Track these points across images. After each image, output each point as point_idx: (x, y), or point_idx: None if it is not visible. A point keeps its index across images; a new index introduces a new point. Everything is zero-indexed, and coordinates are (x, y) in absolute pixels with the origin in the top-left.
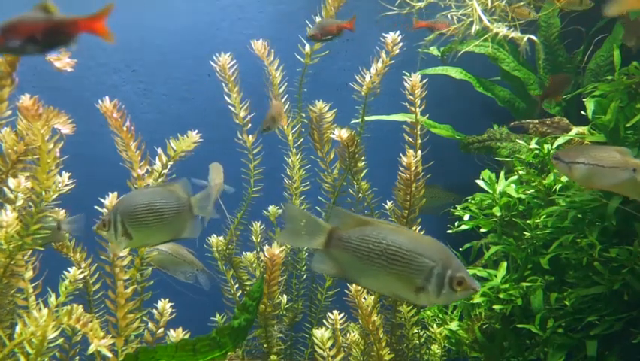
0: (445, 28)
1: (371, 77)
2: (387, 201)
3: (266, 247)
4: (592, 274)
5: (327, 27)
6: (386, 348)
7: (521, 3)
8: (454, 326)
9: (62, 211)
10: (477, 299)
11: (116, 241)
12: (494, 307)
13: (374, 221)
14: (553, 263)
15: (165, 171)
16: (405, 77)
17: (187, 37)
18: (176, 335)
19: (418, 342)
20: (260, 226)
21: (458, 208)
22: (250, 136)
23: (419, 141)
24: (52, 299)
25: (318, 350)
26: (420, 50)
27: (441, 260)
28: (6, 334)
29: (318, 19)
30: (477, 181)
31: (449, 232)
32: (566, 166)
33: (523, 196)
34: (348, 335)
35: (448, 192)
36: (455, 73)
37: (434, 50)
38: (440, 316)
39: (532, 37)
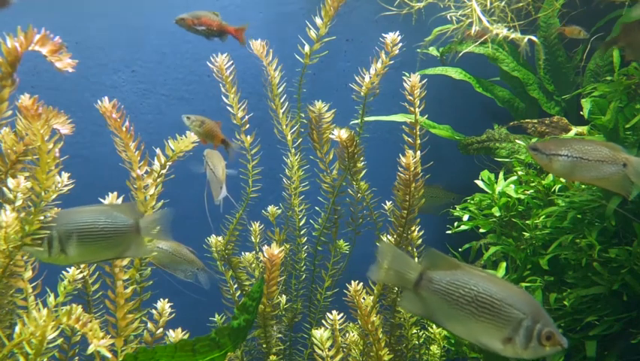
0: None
1: (370, 77)
2: (387, 202)
3: (265, 248)
4: (591, 275)
5: (203, 19)
6: (385, 348)
7: (521, 4)
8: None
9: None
10: None
11: (48, 258)
12: None
13: (466, 266)
14: (552, 263)
15: (164, 172)
16: (404, 78)
17: (186, 38)
18: (176, 335)
19: (417, 342)
20: (259, 226)
21: (457, 209)
22: (248, 136)
23: (418, 142)
24: (51, 299)
25: (317, 350)
26: (419, 50)
27: (531, 313)
28: (5, 334)
29: (317, 19)
30: (476, 182)
31: (448, 232)
32: (545, 157)
33: (522, 197)
34: (347, 335)
35: (448, 192)
36: (455, 73)
37: (433, 51)
38: None
39: (533, 37)
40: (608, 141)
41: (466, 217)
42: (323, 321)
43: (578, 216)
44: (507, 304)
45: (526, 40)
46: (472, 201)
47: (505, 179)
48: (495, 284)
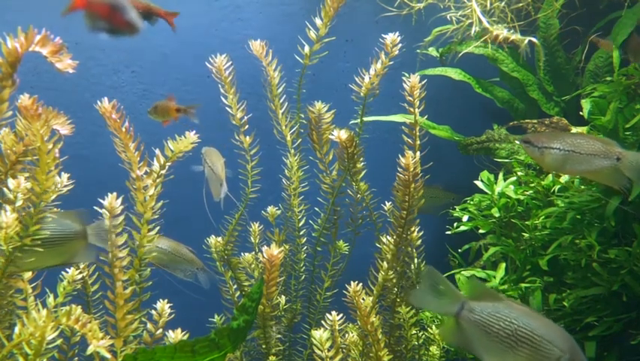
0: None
1: (370, 77)
2: (386, 202)
3: (264, 248)
4: (591, 275)
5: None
6: (385, 349)
7: (520, 4)
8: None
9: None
10: None
11: None
12: None
13: (506, 299)
14: (552, 264)
15: (164, 172)
16: (404, 78)
17: (186, 38)
18: (175, 335)
19: (416, 343)
20: (258, 226)
21: (457, 209)
22: (248, 137)
23: (418, 142)
24: (51, 300)
25: (316, 350)
26: (419, 50)
27: (569, 351)
28: (5, 335)
29: (317, 20)
30: (476, 182)
31: (448, 232)
32: (537, 150)
33: (521, 197)
34: (346, 335)
35: (447, 192)
36: (454, 74)
37: (433, 51)
38: (439, 317)
39: (534, 39)
40: None
41: (465, 218)
42: (322, 322)
43: (578, 216)
44: (547, 340)
45: (526, 41)
46: (471, 202)
47: (505, 180)
48: (535, 319)
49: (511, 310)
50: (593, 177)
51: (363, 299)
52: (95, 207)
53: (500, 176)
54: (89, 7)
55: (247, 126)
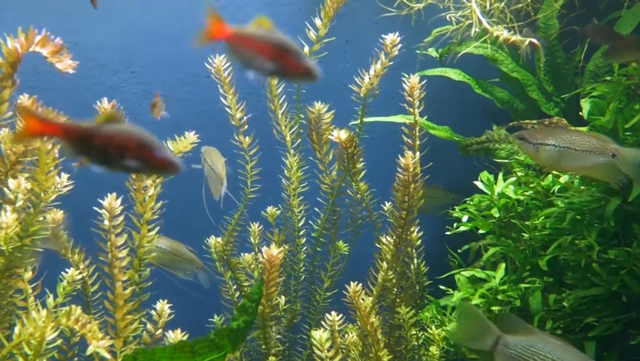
0: None
1: (370, 78)
2: (386, 203)
3: (264, 248)
4: (590, 276)
5: None
6: (384, 349)
7: (520, 5)
8: (452, 327)
9: (60, 212)
10: (475, 301)
11: None
12: (493, 308)
13: (540, 332)
14: (551, 264)
15: None
16: (404, 79)
17: (186, 38)
18: (175, 336)
19: (416, 343)
20: (258, 227)
21: (457, 209)
22: (247, 137)
23: (418, 142)
24: (51, 300)
25: (316, 351)
26: (419, 51)
27: None
28: (5, 335)
29: (317, 20)
30: (475, 183)
31: (448, 233)
32: (532, 147)
33: (521, 198)
34: (346, 336)
35: (447, 192)
36: (454, 74)
37: (433, 52)
38: (439, 317)
39: (534, 40)
40: None
41: (465, 218)
42: (322, 322)
43: (578, 217)
44: None
45: (527, 42)
46: (471, 202)
47: (505, 180)
48: (569, 353)
49: (545, 345)
50: (589, 174)
51: (362, 299)
52: (95, 208)
53: (500, 176)
54: (241, 43)
55: (247, 126)
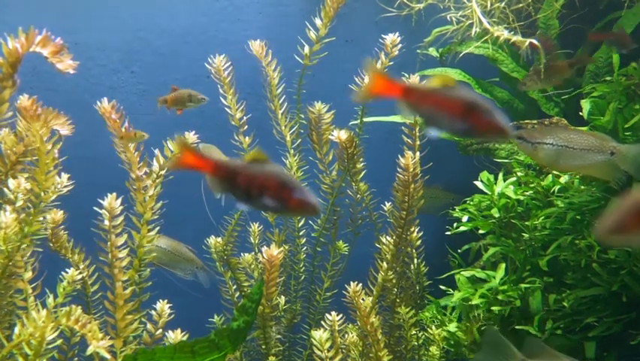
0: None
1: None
2: (386, 203)
3: (264, 249)
4: (590, 276)
5: None
6: (385, 349)
7: (520, 4)
8: (452, 327)
9: (60, 212)
10: (475, 301)
11: None
12: (493, 308)
13: (565, 357)
14: (551, 264)
15: (163, 173)
16: (404, 79)
17: (186, 39)
18: (175, 336)
19: (416, 343)
20: (258, 227)
21: (457, 210)
22: (247, 137)
23: (418, 143)
24: (51, 300)
25: (316, 351)
26: (419, 51)
27: None
28: (5, 335)
29: (317, 20)
30: (475, 183)
31: (448, 233)
32: (530, 146)
33: (521, 198)
34: (346, 336)
35: (447, 193)
36: (454, 74)
37: (433, 52)
38: (439, 317)
39: (534, 41)
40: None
41: (465, 218)
42: (322, 322)
43: (578, 217)
44: None
45: (527, 43)
46: (471, 202)
47: (505, 180)
48: None
49: None
50: (588, 172)
51: (362, 300)
52: (95, 208)
53: (500, 176)
54: (414, 99)
55: (246, 127)
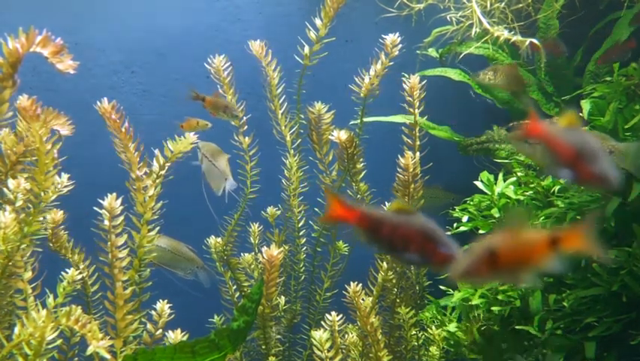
0: None
1: (370, 78)
2: (386, 203)
3: (264, 249)
4: (590, 276)
5: None
6: (384, 349)
7: (520, 5)
8: (452, 327)
9: (60, 212)
10: (475, 301)
11: None
12: (493, 308)
13: None
14: None
15: (163, 173)
16: (404, 79)
17: (186, 39)
18: (175, 336)
19: (416, 343)
20: (258, 227)
21: (457, 210)
22: (247, 138)
23: (418, 143)
24: (51, 300)
25: (316, 351)
26: (419, 51)
27: None
28: (5, 335)
29: (317, 20)
30: (475, 183)
31: (448, 233)
32: (528, 146)
33: (521, 198)
34: (346, 336)
35: (447, 193)
36: (454, 74)
37: (433, 52)
38: (439, 317)
39: (535, 40)
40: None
41: (465, 218)
42: (322, 322)
43: (577, 217)
44: None
45: (527, 43)
46: (471, 202)
47: (505, 180)
48: None
49: None
50: None
51: (362, 300)
52: (95, 208)
53: (500, 176)
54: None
55: (246, 127)
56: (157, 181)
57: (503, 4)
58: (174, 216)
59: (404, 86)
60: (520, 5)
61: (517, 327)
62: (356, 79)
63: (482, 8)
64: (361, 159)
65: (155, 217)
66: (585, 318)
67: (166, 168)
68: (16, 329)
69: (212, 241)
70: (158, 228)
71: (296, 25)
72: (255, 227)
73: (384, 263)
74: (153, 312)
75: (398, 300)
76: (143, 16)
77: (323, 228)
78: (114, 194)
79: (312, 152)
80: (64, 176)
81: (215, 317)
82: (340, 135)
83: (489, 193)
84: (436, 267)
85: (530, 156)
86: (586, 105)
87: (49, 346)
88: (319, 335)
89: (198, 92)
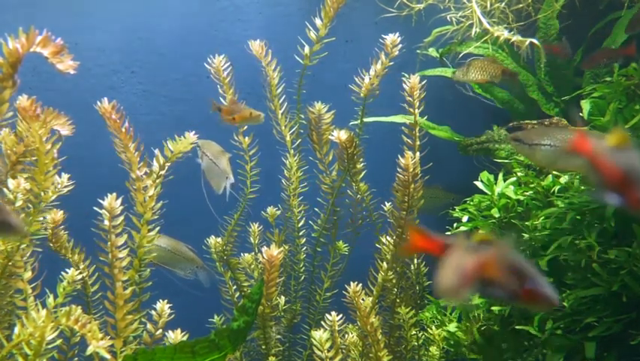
0: None
1: (370, 78)
2: (386, 203)
3: (264, 249)
4: (590, 276)
5: None
6: (384, 349)
7: (520, 5)
8: (452, 327)
9: (60, 212)
10: (475, 301)
11: None
12: (493, 308)
13: None
14: (551, 265)
15: (163, 173)
16: (404, 79)
17: (186, 39)
18: (175, 336)
19: (416, 343)
20: (258, 227)
21: (457, 209)
22: (247, 137)
23: (418, 143)
24: (51, 300)
25: (316, 351)
26: (419, 51)
27: None
28: (4, 335)
29: (317, 20)
30: (475, 183)
31: (448, 233)
32: (527, 148)
33: (521, 198)
34: (346, 336)
35: (447, 193)
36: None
37: (433, 52)
38: (439, 317)
39: (535, 40)
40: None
41: (465, 218)
42: (322, 322)
43: (578, 217)
44: None
45: (527, 43)
46: (471, 202)
47: (505, 180)
48: None
49: None
50: (584, 171)
51: (362, 300)
52: (95, 208)
53: (500, 176)
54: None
55: (246, 127)
56: (157, 181)
57: (503, 4)
58: (174, 216)
59: (404, 86)
60: (520, 5)
61: (517, 327)
62: (356, 79)
63: (482, 8)
64: (361, 159)
65: (155, 217)
66: (585, 318)
67: (166, 168)
68: (16, 329)
69: (212, 240)
70: (158, 228)
71: (296, 25)
72: (254, 227)
73: (384, 263)
74: (153, 312)
75: (398, 300)
76: (143, 16)
77: (323, 228)
78: (114, 194)
79: (312, 152)
80: (64, 176)
81: (215, 316)
82: (340, 135)
83: (489, 193)
84: (524, 304)
85: (529, 158)
86: (586, 105)
87: (49, 346)
88: (319, 335)
89: (217, 102)
